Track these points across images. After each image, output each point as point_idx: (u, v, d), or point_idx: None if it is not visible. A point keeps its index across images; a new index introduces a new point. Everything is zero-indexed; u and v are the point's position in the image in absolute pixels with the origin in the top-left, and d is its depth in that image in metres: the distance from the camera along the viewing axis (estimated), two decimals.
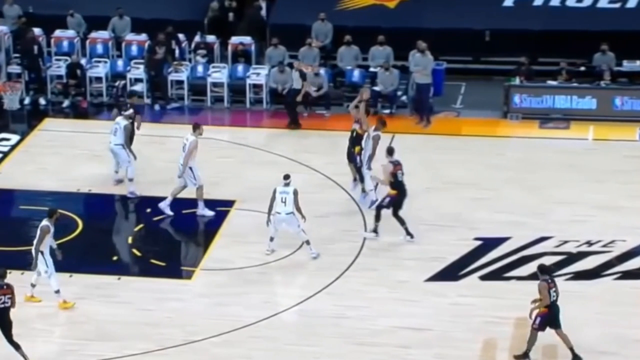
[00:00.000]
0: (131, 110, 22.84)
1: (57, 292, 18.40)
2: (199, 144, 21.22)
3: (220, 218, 21.33)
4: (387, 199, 20.26)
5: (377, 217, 20.39)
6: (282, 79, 26.28)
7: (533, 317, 16.86)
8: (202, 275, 19.64)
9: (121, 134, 22.27)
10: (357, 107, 21.96)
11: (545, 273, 16.96)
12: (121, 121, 22.39)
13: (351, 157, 21.86)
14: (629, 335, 17.77)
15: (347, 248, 20.34)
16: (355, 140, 21.74)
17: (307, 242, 19.96)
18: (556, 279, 17.17)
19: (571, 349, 16.98)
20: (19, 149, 24.73)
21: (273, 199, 19.78)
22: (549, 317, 16.81)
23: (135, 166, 22.28)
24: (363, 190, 21.78)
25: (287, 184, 19.85)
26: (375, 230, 20.44)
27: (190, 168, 21.18)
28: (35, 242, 18.18)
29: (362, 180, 21.76)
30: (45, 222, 18.33)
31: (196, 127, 21.39)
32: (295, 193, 19.76)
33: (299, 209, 19.77)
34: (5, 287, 16.52)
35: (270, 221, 19.85)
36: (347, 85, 27.17)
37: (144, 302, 18.76)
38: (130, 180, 22.37)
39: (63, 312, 18.35)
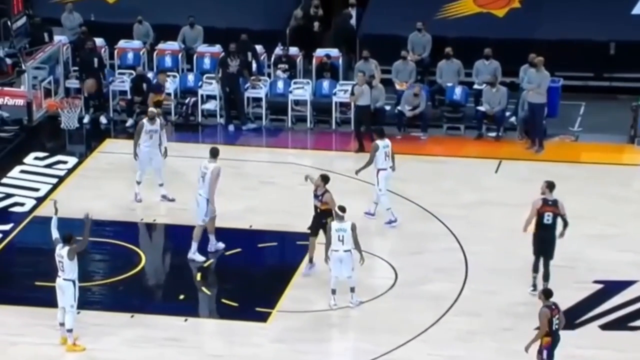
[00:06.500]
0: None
1: (70, 331, 18.42)
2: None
3: (300, 253, 21.30)
4: None
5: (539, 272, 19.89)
6: (374, 96, 26.19)
7: (532, 347, 16.86)
8: (279, 317, 19.68)
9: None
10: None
11: (550, 298, 16.98)
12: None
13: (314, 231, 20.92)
14: None
15: (445, 289, 20.26)
16: (321, 215, 20.77)
17: (352, 290, 19.70)
18: None
19: None
20: (76, 173, 25.06)
21: (329, 236, 19.67)
22: (554, 346, 16.87)
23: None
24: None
25: (341, 218, 19.54)
26: (534, 286, 19.89)
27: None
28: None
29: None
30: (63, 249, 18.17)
31: (216, 153, 21.29)
32: (353, 229, 19.54)
33: (358, 247, 19.59)
34: None
35: (329, 259, 19.72)
36: (447, 104, 27.07)
37: (214, 346, 18.94)
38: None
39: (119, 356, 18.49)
